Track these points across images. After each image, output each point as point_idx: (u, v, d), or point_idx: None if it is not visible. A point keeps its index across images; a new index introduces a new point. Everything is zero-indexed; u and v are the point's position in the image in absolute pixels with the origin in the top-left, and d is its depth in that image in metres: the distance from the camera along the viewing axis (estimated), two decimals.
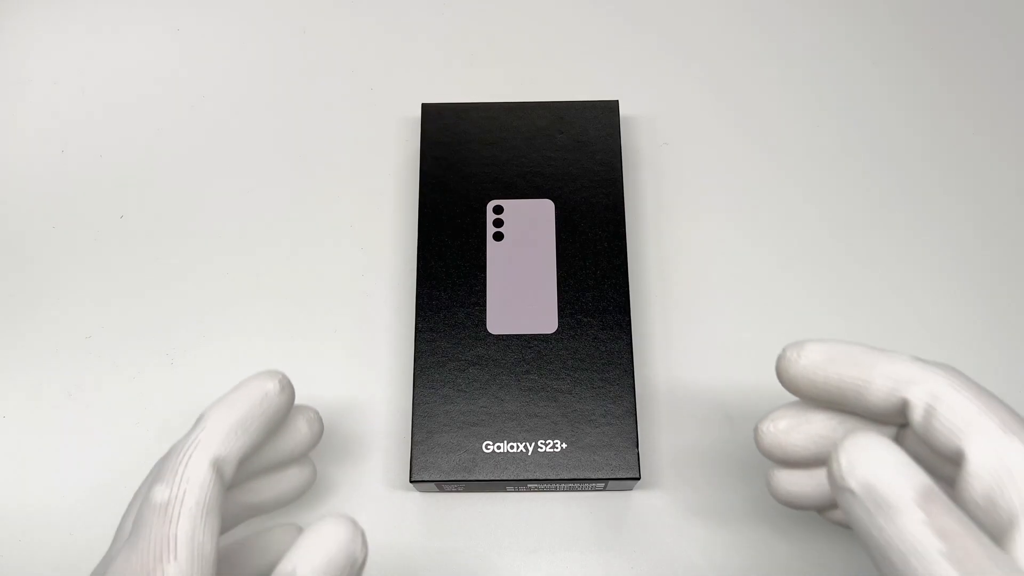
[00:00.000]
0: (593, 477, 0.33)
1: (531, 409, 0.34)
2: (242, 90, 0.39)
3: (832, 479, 0.21)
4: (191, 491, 0.23)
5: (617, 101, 0.38)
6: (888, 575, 0.20)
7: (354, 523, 0.24)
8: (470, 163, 0.37)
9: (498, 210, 0.36)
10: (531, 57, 0.42)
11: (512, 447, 0.33)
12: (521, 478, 0.33)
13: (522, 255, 0.36)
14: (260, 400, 0.27)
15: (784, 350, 0.25)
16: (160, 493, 0.23)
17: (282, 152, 0.39)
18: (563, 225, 0.36)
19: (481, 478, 0.33)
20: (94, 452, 0.36)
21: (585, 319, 0.35)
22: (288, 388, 0.28)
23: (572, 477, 0.33)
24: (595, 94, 0.41)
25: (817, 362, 0.25)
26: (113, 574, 0.23)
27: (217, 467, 0.24)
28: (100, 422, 0.36)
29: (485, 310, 0.35)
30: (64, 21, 0.40)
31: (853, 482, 0.21)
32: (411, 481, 0.33)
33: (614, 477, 0.33)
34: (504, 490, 0.35)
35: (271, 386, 0.27)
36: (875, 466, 0.21)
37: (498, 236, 0.36)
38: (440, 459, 0.33)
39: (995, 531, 0.21)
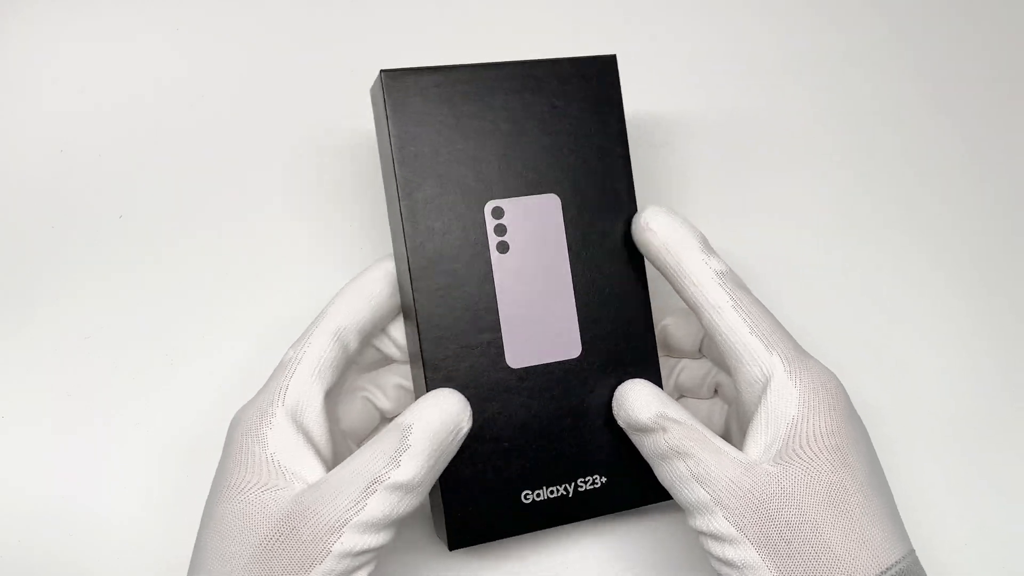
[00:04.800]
0: (638, 507, 0.31)
1: (565, 447, 0.30)
2: (242, 89, 0.39)
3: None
4: (309, 353, 0.29)
5: (615, 56, 0.32)
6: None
7: (463, 398, 0.28)
8: (454, 153, 0.30)
9: (498, 213, 0.30)
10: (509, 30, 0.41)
11: (552, 491, 0.30)
12: (566, 523, 0.30)
13: (533, 267, 0.30)
14: (383, 277, 0.30)
15: (641, 216, 0.30)
16: (287, 354, 0.29)
17: (284, 152, 0.39)
18: (572, 224, 0.31)
19: (524, 532, 0.30)
20: (93, 452, 0.36)
21: (610, 338, 0.31)
22: (389, 268, 0.31)
23: (617, 511, 0.31)
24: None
25: (656, 245, 0.30)
26: (241, 410, 0.29)
27: (339, 336, 0.29)
28: (99, 422, 0.36)
29: (501, 341, 0.30)
30: (63, 20, 0.39)
31: (621, 423, 0.30)
32: (451, 550, 0.29)
33: (658, 501, 0.31)
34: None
35: (391, 265, 0.31)
36: (630, 408, 0.29)
37: (503, 247, 0.30)
38: (477, 521, 0.30)
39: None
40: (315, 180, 0.39)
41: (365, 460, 0.26)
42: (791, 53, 0.40)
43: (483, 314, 0.30)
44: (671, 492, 0.28)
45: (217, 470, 0.28)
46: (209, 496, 0.28)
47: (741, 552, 0.26)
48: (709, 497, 0.26)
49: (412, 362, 0.31)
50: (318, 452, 0.28)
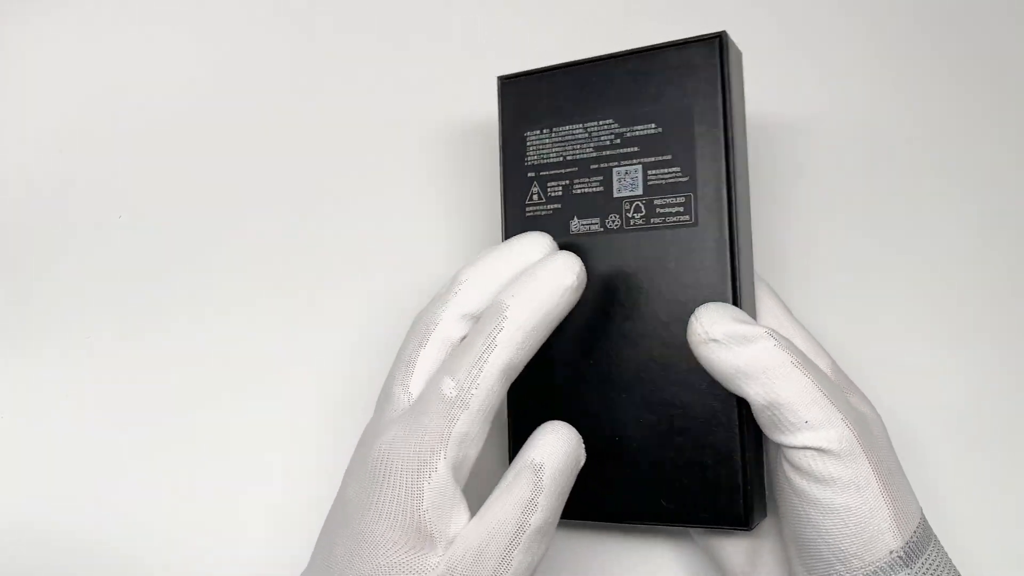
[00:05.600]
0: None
1: None
2: (245, 88, 0.39)
3: (696, 337, 0.26)
4: (478, 395, 0.25)
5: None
6: (752, 393, 0.25)
7: (575, 430, 0.26)
8: None
9: None
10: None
11: None
12: None
13: None
14: (559, 295, 0.26)
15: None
16: (449, 388, 0.25)
17: (285, 150, 0.39)
18: None
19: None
20: (93, 452, 0.36)
21: None
22: (583, 277, 0.27)
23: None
24: None
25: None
26: (389, 445, 0.25)
27: (508, 374, 0.25)
28: (99, 422, 0.36)
29: None
30: (64, 20, 0.40)
31: (718, 333, 0.26)
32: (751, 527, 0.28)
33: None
34: None
35: (569, 280, 0.27)
36: (728, 318, 0.26)
37: None
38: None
39: None
40: (322, 180, 0.39)
41: (506, 511, 0.25)
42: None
43: None
44: (780, 410, 0.25)
45: (361, 506, 0.25)
46: (346, 529, 0.26)
47: (859, 471, 0.25)
48: (838, 412, 0.25)
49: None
50: (466, 500, 0.25)
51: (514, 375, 0.26)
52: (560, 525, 0.29)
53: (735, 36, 0.35)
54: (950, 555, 0.28)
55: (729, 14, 0.39)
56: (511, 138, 0.32)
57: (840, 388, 0.27)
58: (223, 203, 0.38)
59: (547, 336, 0.27)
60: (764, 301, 0.30)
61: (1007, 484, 0.36)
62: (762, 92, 0.38)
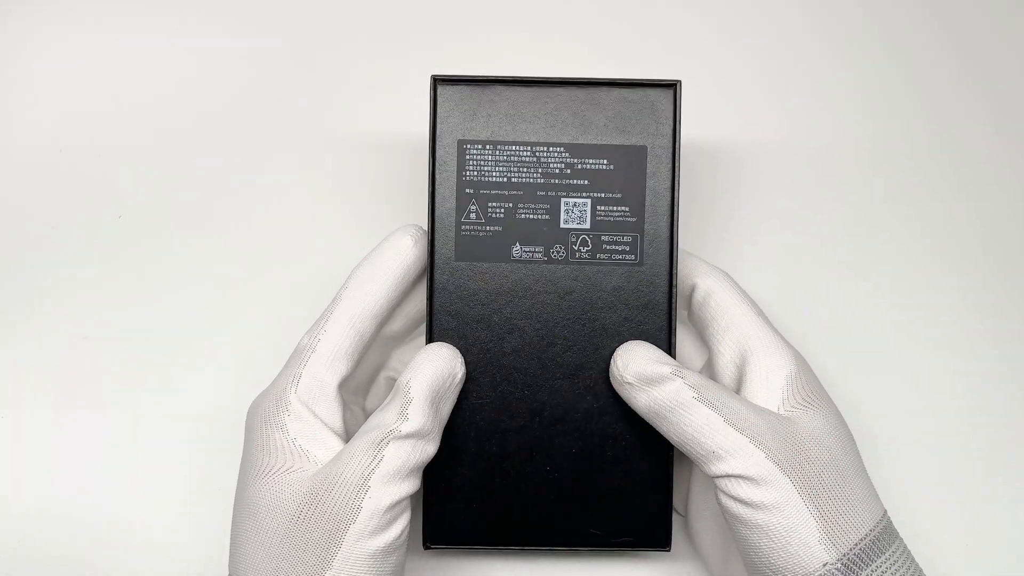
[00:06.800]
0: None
1: None
2: (245, 90, 0.39)
3: (613, 379, 0.29)
4: (324, 340, 0.29)
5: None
6: (666, 431, 0.28)
7: (454, 348, 0.30)
8: None
9: None
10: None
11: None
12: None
13: None
14: (394, 256, 0.30)
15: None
16: (302, 340, 0.30)
17: (286, 151, 0.39)
18: None
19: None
20: (91, 452, 0.36)
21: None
22: (422, 240, 0.30)
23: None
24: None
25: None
26: (258, 399, 0.29)
27: (353, 323, 0.29)
28: (97, 422, 0.36)
29: None
30: (63, 20, 0.39)
31: (630, 376, 0.29)
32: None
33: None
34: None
35: (405, 242, 0.30)
36: (642, 360, 0.28)
37: None
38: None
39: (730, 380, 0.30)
40: (321, 179, 0.39)
41: (377, 420, 0.28)
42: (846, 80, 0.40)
43: None
44: (690, 444, 0.28)
45: (243, 457, 0.29)
46: (238, 483, 0.29)
47: (779, 492, 0.26)
48: (747, 440, 0.27)
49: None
50: (335, 435, 0.28)
51: (368, 324, 0.30)
52: (519, 553, 0.32)
53: (684, 71, 0.36)
54: (934, 557, 0.29)
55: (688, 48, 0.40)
56: (445, 146, 0.30)
57: (763, 412, 0.28)
58: (220, 199, 0.39)
59: (395, 290, 0.30)
60: (730, 309, 0.30)
61: (989, 490, 0.37)
62: (739, 112, 0.39)
